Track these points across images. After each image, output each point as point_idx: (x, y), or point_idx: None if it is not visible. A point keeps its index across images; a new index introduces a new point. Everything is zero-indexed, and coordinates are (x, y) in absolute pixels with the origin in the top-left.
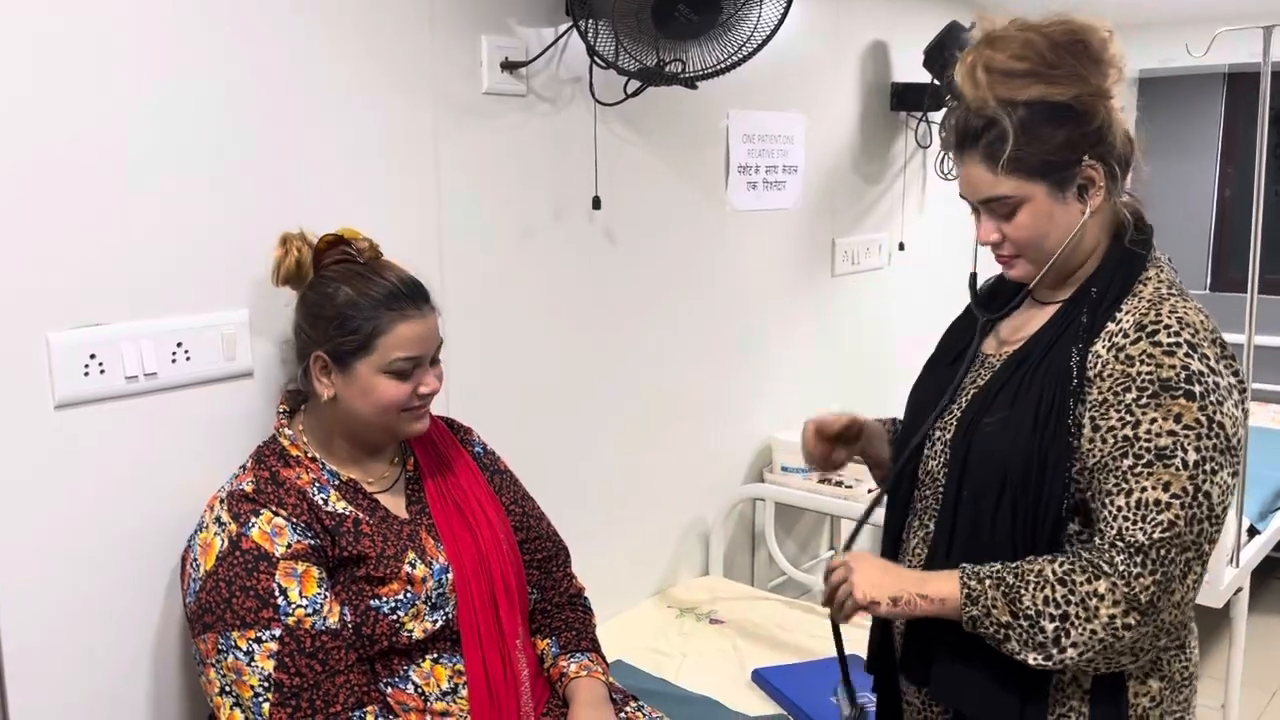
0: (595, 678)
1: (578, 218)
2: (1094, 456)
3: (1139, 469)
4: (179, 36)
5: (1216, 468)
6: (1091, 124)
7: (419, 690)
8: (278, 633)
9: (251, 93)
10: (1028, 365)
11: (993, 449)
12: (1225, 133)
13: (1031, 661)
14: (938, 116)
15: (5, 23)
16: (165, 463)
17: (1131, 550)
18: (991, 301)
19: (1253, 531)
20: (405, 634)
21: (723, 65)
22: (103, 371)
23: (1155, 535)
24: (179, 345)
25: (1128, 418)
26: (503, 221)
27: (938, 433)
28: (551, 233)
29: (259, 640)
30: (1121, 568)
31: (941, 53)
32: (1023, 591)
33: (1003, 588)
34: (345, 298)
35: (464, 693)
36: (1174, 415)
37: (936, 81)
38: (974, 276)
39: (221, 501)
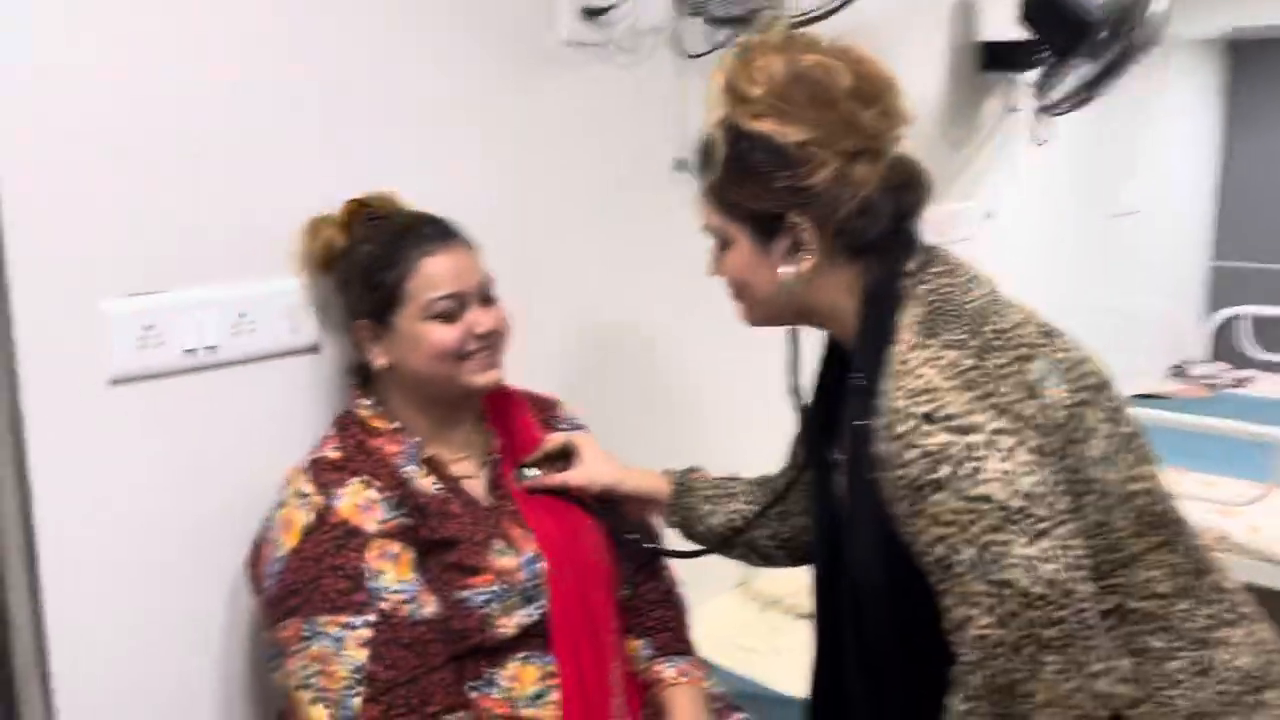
0: (695, 684)
1: (659, 178)
2: None
3: (940, 588)
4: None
5: (1002, 548)
6: (804, 179)
7: (505, 695)
8: (372, 619)
9: (314, 52)
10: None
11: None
12: None
13: None
14: (1031, 76)
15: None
16: (227, 444)
17: (968, 689)
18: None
19: None
20: (497, 630)
21: (821, 11)
22: (160, 344)
23: (976, 657)
24: (241, 316)
25: (908, 530)
26: (586, 181)
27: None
28: (634, 195)
29: (350, 626)
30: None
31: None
32: None
33: None
34: (365, 254)
35: (553, 696)
36: (932, 516)
37: (1036, 36)
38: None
39: (304, 471)
